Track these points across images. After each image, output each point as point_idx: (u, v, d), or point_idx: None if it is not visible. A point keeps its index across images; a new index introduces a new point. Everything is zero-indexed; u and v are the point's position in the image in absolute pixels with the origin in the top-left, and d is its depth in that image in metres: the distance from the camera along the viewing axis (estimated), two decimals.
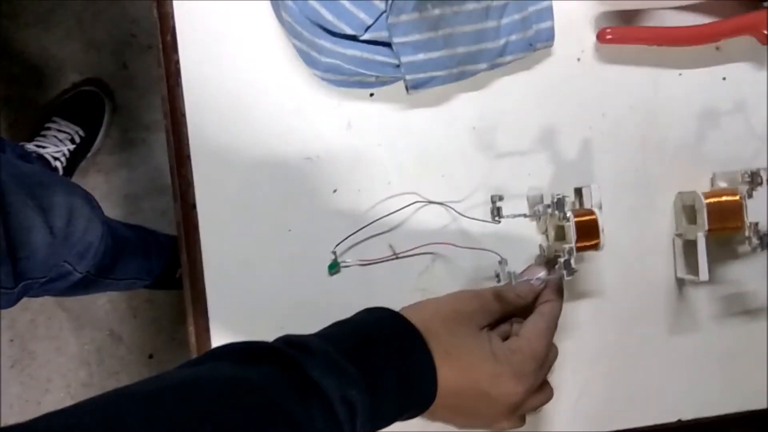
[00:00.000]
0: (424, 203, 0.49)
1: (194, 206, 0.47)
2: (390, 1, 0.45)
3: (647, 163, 0.50)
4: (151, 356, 1.26)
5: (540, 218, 0.48)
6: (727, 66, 0.51)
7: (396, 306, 0.44)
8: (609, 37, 0.48)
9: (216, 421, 0.31)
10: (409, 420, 0.42)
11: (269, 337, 0.39)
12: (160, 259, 1.04)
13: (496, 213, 0.46)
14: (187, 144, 0.47)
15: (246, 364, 0.35)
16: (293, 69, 0.48)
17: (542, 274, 0.45)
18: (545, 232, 0.49)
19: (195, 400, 0.31)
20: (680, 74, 0.50)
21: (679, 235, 0.50)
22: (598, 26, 0.49)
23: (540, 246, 0.49)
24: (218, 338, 0.48)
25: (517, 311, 0.46)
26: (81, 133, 1.18)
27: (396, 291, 0.49)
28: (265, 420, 0.32)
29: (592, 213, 0.45)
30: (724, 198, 0.47)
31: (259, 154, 0.48)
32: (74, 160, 1.18)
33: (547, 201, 0.46)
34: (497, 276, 0.43)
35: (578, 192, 0.48)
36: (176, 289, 1.15)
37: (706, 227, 0.46)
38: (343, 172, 0.49)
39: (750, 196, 0.47)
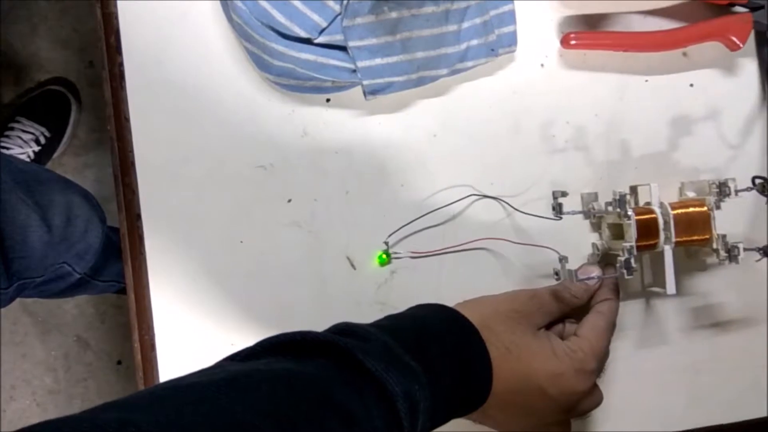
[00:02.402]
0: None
1: (139, 216, 0.45)
2: (345, 3, 0.43)
3: (613, 172, 0.49)
4: (119, 362, 1.23)
5: (594, 216, 0.47)
6: (694, 72, 0.49)
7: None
8: (573, 42, 0.47)
9: (274, 418, 0.29)
10: (463, 417, 0.41)
11: (219, 351, 0.37)
12: None
13: (558, 209, 0.45)
14: (132, 151, 0.45)
15: (301, 357, 0.34)
16: (245, 73, 0.46)
17: (597, 272, 0.45)
18: (599, 230, 0.48)
19: (251, 396, 0.30)
20: (646, 80, 0.49)
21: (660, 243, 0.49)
22: (562, 31, 0.48)
23: (593, 245, 0.48)
24: (165, 355, 0.45)
25: (572, 312, 0.46)
26: (46, 133, 1.15)
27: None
28: (322, 416, 0.31)
29: (652, 212, 0.44)
30: (691, 209, 0.46)
31: (209, 162, 0.46)
32: (39, 161, 1.15)
33: (603, 199, 0.45)
34: (557, 274, 0.43)
35: (633, 190, 0.47)
36: None
37: (673, 239, 0.45)
38: (299, 180, 0.47)
39: (718, 207, 0.46)
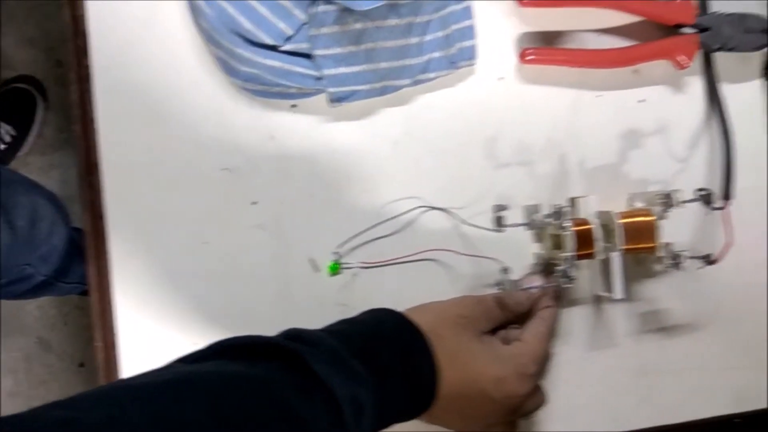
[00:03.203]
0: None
1: (102, 216, 0.45)
2: (311, 13, 0.45)
3: (567, 182, 0.51)
4: (82, 365, 1.21)
5: (536, 227, 0.49)
6: (644, 89, 0.52)
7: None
8: (530, 57, 0.49)
9: (221, 419, 0.30)
10: (409, 421, 0.42)
11: (181, 352, 0.37)
12: None
13: (499, 222, 0.46)
14: (96, 151, 0.45)
15: (250, 360, 0.35)
16: (213, 77, 0.47)
17: (540, 282, 0.47)
18: (542, 241, 0.50)
19: (199, 397, 0.31)
20: (599, 96, 0.51)
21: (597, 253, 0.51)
22: (520, 46, 0.50)
23: (536, 254, 0.50)
24: (127, 356, 0.46)
25: (515, 318, 0.47)
26: (12, 132, 1.13)
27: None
28: (269, 418, 0.32)
29: (588, 222, 0.46)
30: (638, 218, 0.48)
31: (174, 163, 0.46)
32: (4, 159, 1.14)
33: (545, 211, 0.47)
34: (499, 284, 0.45)
35: (574, 202, 0.49)
36: None
37: (621, 246, 0.47)
38: (264, 183, 0.48)
39: (664, 217, 0.48)
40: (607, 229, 0.50)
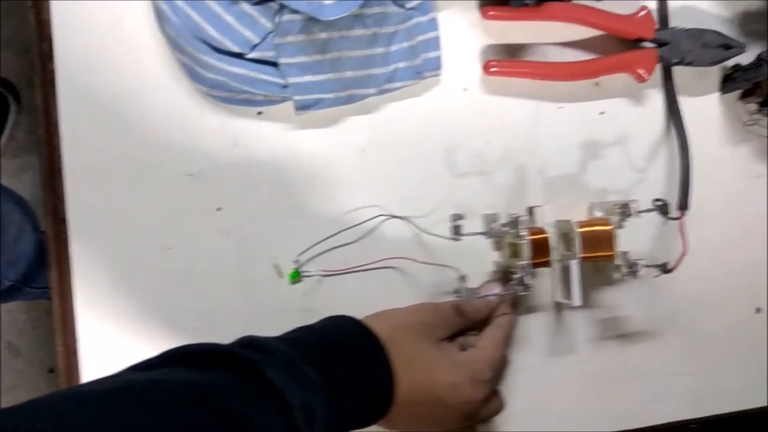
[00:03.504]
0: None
1: (64, 220, 0.45)
2: (276, 21, 0.45)
3: (529, 192, 0.52)
4: (51, 370, 1.19)
5: (494, 236, 0.50)
6: (605, 101, 0.53)
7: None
8: (493, 69, 0.50)
9: (168, 427, 0.30)
10: (366, 427, 0.42)
11: (144, 357, 0.38)
12: None
13: (456, 231, 0.47)
14: (59, 156, 0.45)
15: (202, 367, 0.35)
16: (178, 83, 0.47)
17: (497, 290, 0.48)
18: (500, 249, 0.50)
19: (149, 404, 0.30)
20: (560, 107, 0.52)
21: (557, 261, 0.52)
22: (484, 58, 0.51)
23: (495, 262, 0.50)
24: (89, 361, 0.46)
25: (473, 325, 0.48)
26: None
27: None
28: (219, 425, 0.32)
29: (544, 231, 0.47)
30: (596, 227, 0.49)
31: (138, 168, 0.47)
32: None
33: (504, 220, 0.48)
34: (457, 292, 0.46)
35: (531, 211, 0.50)
36: None
37: (579, 255, 0.48)
38: (229, 190, 0.48)
39: (621, 226, 0.49)
40: (567, 238, 0.51)
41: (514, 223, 0.46)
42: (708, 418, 0.56)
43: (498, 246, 0.51)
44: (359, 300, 0.48)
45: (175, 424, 0.30)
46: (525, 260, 0.46)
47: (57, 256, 0.45)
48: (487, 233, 0.48)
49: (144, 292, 0.47)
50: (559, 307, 0.53)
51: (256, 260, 0.49)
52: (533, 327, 0.52)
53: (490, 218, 0.49)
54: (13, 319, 1.19)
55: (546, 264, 0.47)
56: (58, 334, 0.46)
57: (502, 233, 0.47)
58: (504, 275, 0.50)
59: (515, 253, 0.47)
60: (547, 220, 0.48)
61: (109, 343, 0.46)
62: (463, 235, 0.47)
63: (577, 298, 0.49)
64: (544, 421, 0.53)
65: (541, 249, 0.47)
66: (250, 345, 0.37)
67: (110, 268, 0.46)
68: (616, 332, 0.54)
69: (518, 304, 0.50)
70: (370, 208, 0.49)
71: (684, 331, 0.55)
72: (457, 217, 0.47)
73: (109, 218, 0.46)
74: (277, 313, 0.48)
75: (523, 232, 0.46)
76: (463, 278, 0.46)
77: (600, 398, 0.54)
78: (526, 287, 0.46)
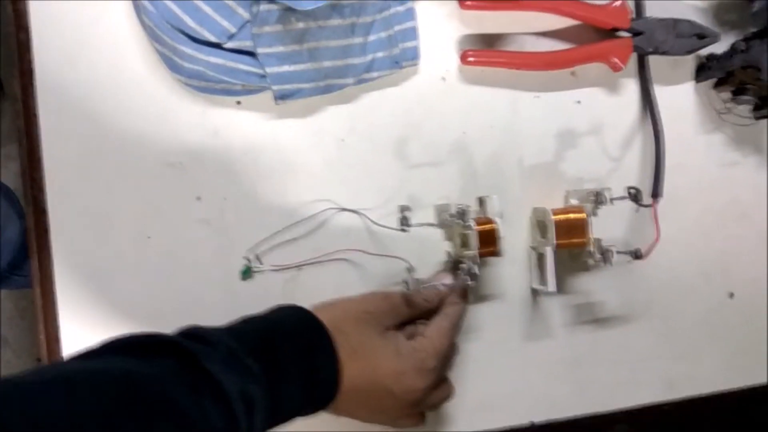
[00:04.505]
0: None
1: (45, 211, 0.45)
2: (254, 11, 0.45)
3: (505, 179, 0.53)
4: (39, 360, 1.20)
5: (444, 227, 0.50)
6: (581, 90, 0.54)
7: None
8: (471, 59, 0.50)
9: (102, 418, 0.30)
10: (313, 415, 0.42)
11: None
12: None
13: (405, 222, 0.48)
14: (39, 146, 0.45)
15: (141, 357, 0.35)
16: (157, 73, 0.47)
17: (448, 279, 0.49)
18: (452, 240, 0.51)
19: (82, 395, 0.30)
20: (537, 97, 0.53)
21: (533, 248, 0.53)
22: (461, 48, 0.51)
23: (447, 252, 0.51)
24: (70, 348, 0.46)
25: (424, 314, 0.48)
26: None
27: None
28: (155, 415, 0.32)
29: (491, 222, 0.48)
30: (571, 215, 0.50)
31: (118, 158, 0.47)
32: None
33: (453, 210, 0.48)
34: (405, 283, 0.47)
35: (481, 201, 0.51)
36: None
37: (554, 242, 0.49)
38: (209, 179, 0.49)
39: (595, 214, 0.50)
40: (542, 225, 0.52)
41: (461, 213, 0.47)
42: (681, 400, 0.57)
43: (449, 236, 0.51)
44: (314, 292, 0.48)
45: (109, 414, 0.30)
46: (472, 250, 0.46)
47: (38, 246, 0.46)
48: (437, 224, 0.48)
49: (124, 280, 0.47)
50: (535, 293, 0.54)
51: (236, 249, 0.49)
52: (510, 313, 0.53)
53: (442, 209, 0.50)
54: (1, 309, 1.19)
55: (494, 254, 0.47)
56: (40, 323, 0.47)
57: (452, 223, 0.48)
58: (455, 265, 0.50)
59: (464, 243, 0.48)
60: (497, 210, 0.49)
61: (91, 330, 0.47)
62: (410, 226, 0.47)
63: (551, 285, 0.50)
64: (520, 404, 0.54)
65: (488, 239, 0.47)
66: (192, 335, 0.37)
67: (91, 258, 0.46)
68: (592, 317, 0.55)
69: (467, 294, 0.50)
70: (320, 202, 0.50)
71: (658, 316, 0.56)
72: (405, 208, 0.47)
73: (90, 208, 0.46)
74: (258, 301, 0.49)
75: (471, 223, 0.46)
76: (409, 269, 0.47)
77: (576, 381, 0.55)
78: (474, 277, 0.46)
